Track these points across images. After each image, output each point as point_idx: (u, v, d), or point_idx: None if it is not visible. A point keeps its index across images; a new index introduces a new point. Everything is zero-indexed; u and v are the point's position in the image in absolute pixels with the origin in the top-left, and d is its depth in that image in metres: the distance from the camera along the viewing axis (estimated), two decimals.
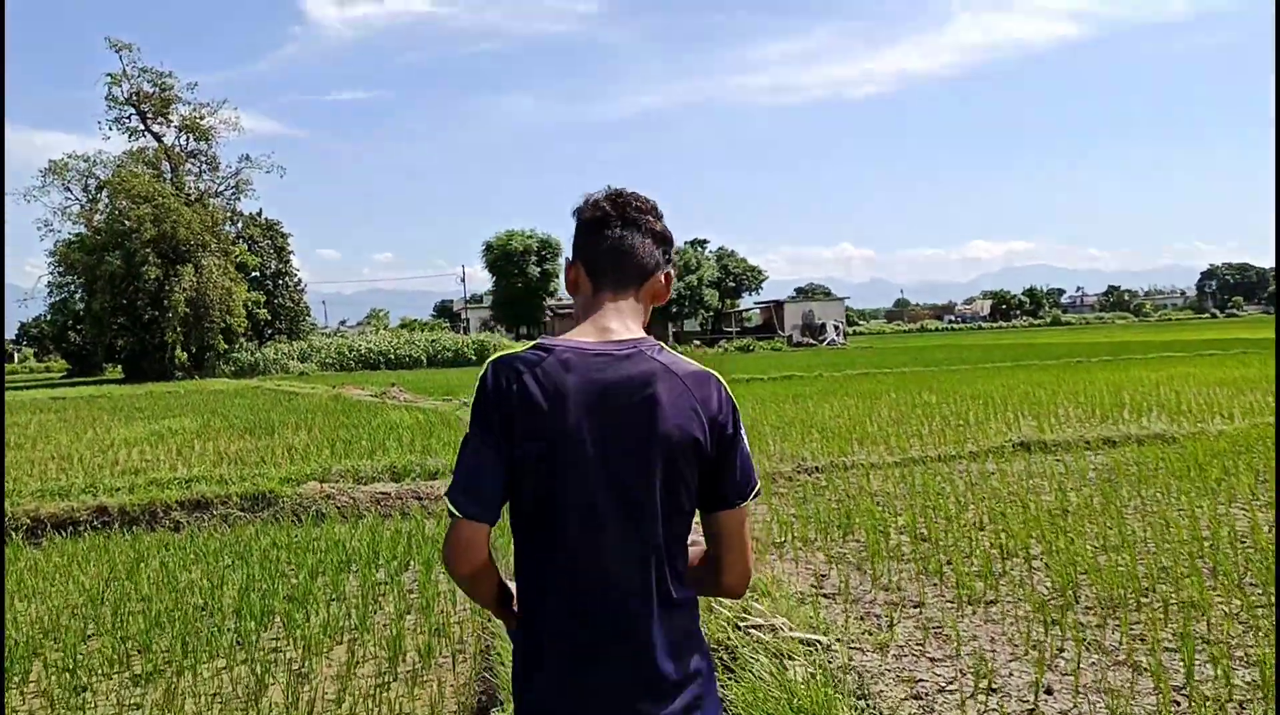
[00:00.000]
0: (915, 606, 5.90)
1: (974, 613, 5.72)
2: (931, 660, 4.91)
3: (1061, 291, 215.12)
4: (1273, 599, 5.59)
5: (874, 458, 11.81)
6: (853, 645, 5.14)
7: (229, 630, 5.92)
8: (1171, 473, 9.80)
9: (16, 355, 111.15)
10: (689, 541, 2.09)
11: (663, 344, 2.04)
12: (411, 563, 7.55)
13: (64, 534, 8.93)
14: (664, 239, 2.15)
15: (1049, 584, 6.22)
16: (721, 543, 2.05)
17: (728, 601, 4.79)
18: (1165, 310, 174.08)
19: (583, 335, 2.02)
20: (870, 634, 5.35)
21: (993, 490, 9.56)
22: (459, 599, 6.47)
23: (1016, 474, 10.35)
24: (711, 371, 2.04)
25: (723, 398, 2.01)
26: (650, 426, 1.91)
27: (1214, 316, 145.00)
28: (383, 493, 9.79)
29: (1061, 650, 4.96)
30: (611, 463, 1.91)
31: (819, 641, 4.43)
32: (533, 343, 2.02)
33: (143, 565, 7.70)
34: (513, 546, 2.07)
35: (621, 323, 2.04)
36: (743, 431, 2.04)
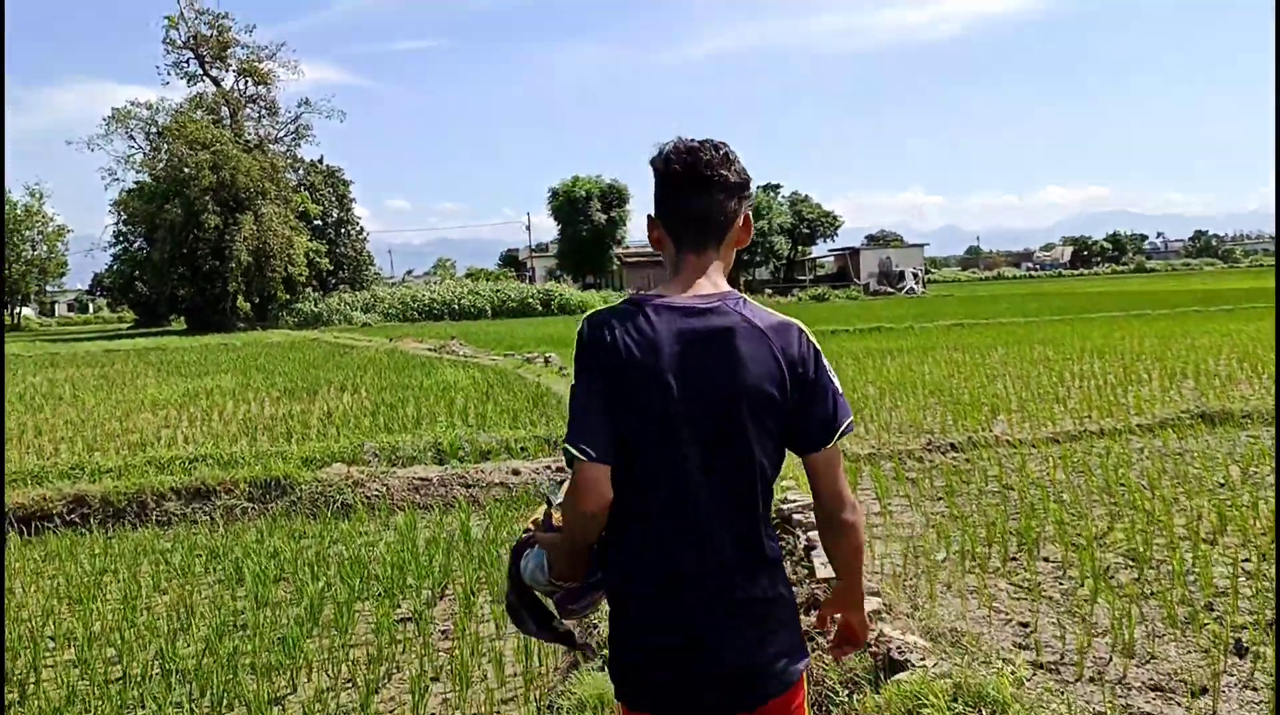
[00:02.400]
0: (1198, 694, 3.85)
1: None
2: None
3: (1144, 237, 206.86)
4: None
5: (1019, 432, 9.69)
6: None
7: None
8: None
9: (91, 306, 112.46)
10: None
11: (746, 297, 2.09)
12: (449, 588, 5.67)
13: (29, 532, 7.24)
14: (740, 186, 2.13)
15: None
16: (815, 481, 2.08)
17: None
18: (1256, 255, 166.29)
19: (671, 291, 2.08)
20: None
21: (1195, 480, 7.42)
22: (505, 655, 4.59)
23: (1217, 457, 8.17)
24: (793, 320, 2.10)
25: (804, 343, 2.05)
26: (733, 378, 1.98)
27: None
28: (422, 479, 7.95)
29: None
30: (698, 414, 1.97)
31: None
32: (625, 298, 2.11)
33: (104, 582, 5.94)
34: None
35: (707, 279, 2.10)
36: (828, 372, 2.08)
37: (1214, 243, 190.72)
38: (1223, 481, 7.33)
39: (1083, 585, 5.23)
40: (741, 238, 2.18)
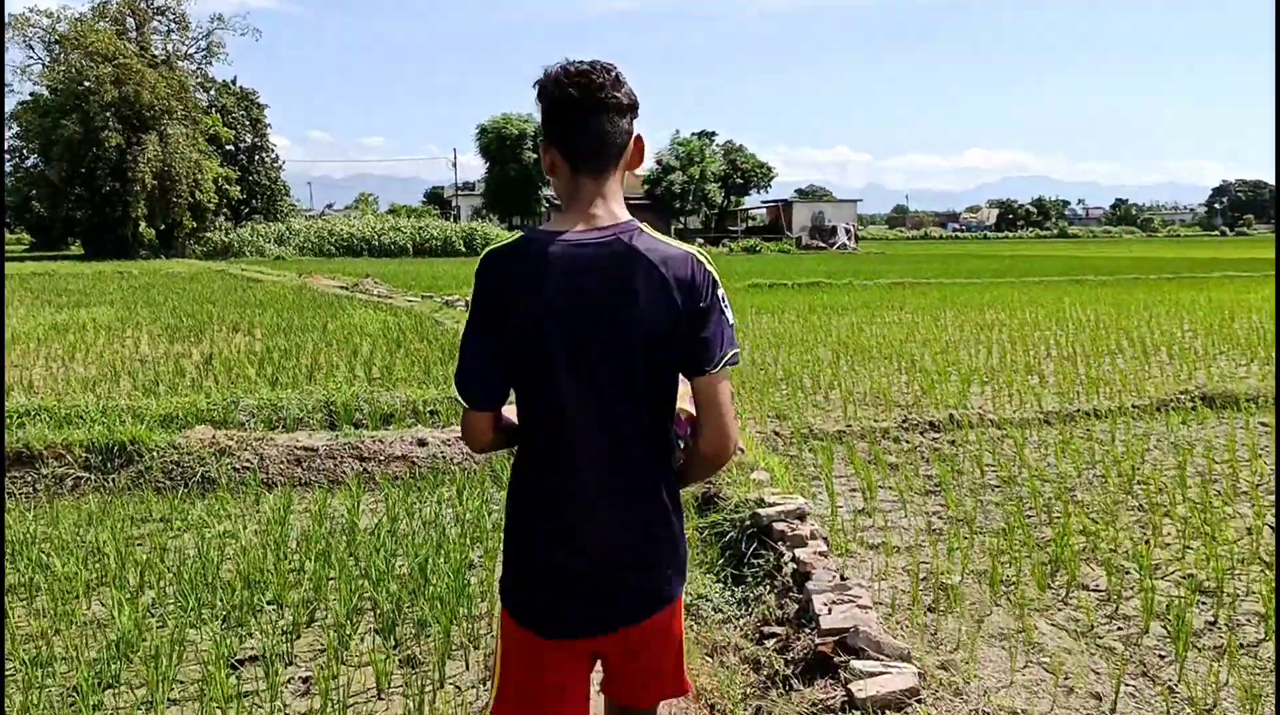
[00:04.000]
0: None
1: None
2: None
3: (1066, 203, 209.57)
4: None
5: (1001, 408, 8.55)
6: None
7: None
8: None
9: None
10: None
11: (644, 226, 2.08)
12: (318, 612, 4.27)
13: None
14: (632, 107, 2.12)
15: None
16: (700, 407, 2.10)
17: None
18: (1173, 226, 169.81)
19: (568, 223, 2.06)
20: None
21: (1227, 480, 6.31)
22: None
23: (1238, 450, 7.09)
24: (690, 250, 2.08)
25: (700, 272, 2.05)
26: (628, 314, 1.99)
27: (1223, 234, 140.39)
28: (306, 448, 6.48)
29: None
30: (591, 348, 2.01)
31: None
32: (519, 234, 2.09)
33: None
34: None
35: (605, 208, 2.07)
36: (722, 302, 2.08)
37: (1134, 212, 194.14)
38: (1259, 482, 6.24)
39: (1148, 632, 4.05)
40: (634, 160, 2.17)
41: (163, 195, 43.34)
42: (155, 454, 6.25)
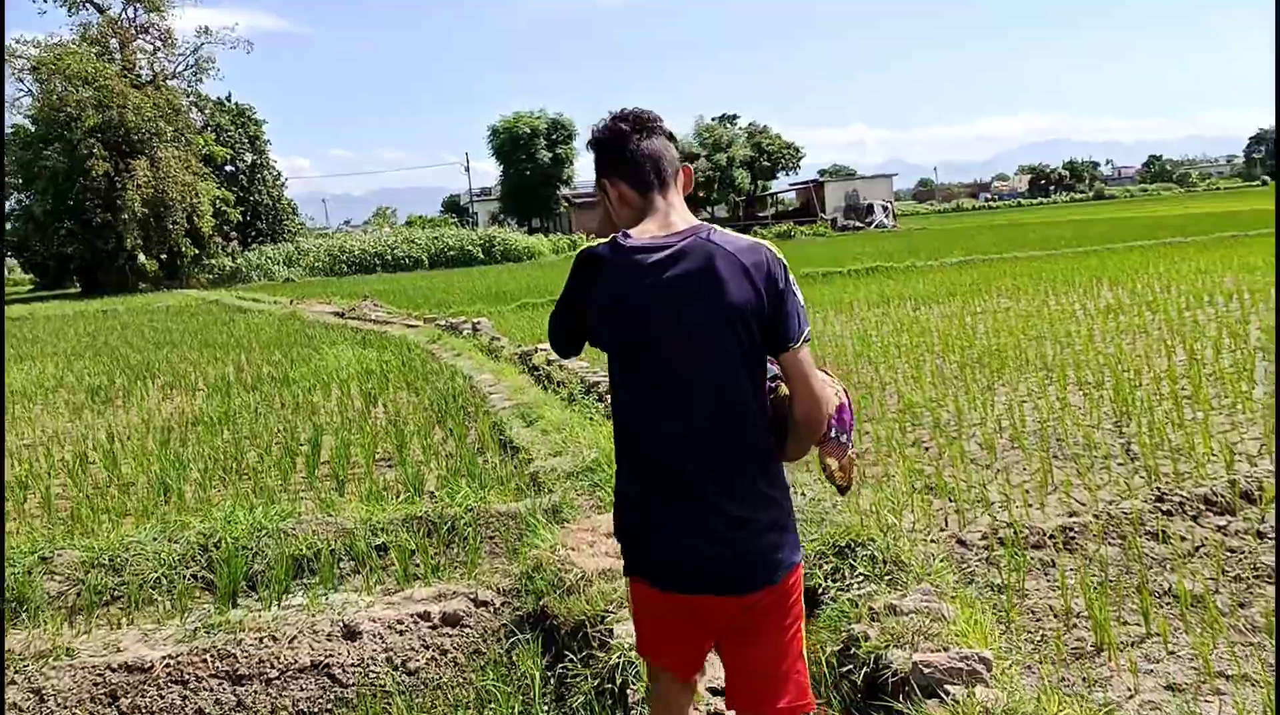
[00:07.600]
0: None
1: None
2: None
3: (1097, 164, 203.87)
4: None
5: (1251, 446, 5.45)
6: None
7: None
8: None
9: (3, 267, 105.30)
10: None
11: (715, 227, 2.26)
12: None
13: None
14: (672, 137, 2.38)
15: None
16: (790, 380, 2.25)
17: None
18: (1211, 179, 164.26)
19: (650, 228, 2.27)
20: None
21: None
22: None
23: None
24: (760, 240, 2.25)
25: (772, 260, 2.22)
26: (716, 299, 2.17)
27: (1264, 183, 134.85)
28: (131, 668, 3.47)
29: None
30: (684, 334, 2.19)
31: None
32: (609, 238, 2.28)
33: None
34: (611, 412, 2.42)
35: (679, 215, 2.29)
36: (792, 285, 2.24)
37: (1169, 168, 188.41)
38: None
39: None
40: (688, 184, 2.37)
41: (157, 222, 40.64)
42: None
